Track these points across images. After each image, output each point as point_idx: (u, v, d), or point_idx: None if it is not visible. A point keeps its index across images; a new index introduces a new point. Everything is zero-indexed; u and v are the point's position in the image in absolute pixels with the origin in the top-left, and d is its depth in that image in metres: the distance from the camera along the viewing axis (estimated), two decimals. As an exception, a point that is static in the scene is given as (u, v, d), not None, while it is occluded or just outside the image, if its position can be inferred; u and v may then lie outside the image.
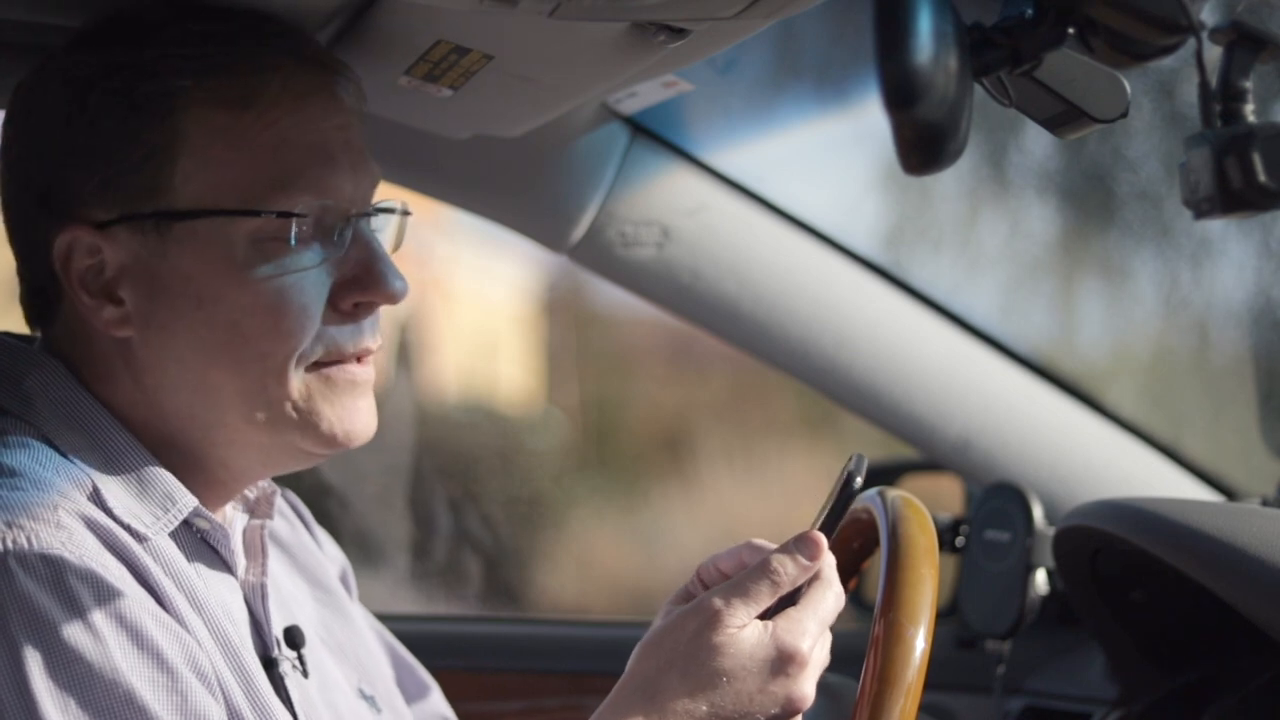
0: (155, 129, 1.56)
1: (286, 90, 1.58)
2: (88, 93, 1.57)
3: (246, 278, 1.56)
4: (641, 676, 1.51)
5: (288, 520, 1.84)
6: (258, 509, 1.70)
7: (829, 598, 1.53)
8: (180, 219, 1.56)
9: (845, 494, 1.54)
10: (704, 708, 1.49)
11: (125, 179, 1.56)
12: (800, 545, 1.52)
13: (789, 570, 1.51)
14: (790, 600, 1.53)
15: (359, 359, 1.61)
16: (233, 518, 1.68)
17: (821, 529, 1.54)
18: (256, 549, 1.67)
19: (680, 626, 1.51)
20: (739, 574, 1.53)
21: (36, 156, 1.60)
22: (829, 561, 1.54)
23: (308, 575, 1.82)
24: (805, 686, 1.51)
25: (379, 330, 1.62)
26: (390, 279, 1.60)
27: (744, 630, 1.49)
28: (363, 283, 1.59)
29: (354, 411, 1.61)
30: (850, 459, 1.55)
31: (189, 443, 1.59)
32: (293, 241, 1.56)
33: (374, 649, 1.85)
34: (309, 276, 1.57)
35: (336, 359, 1.59)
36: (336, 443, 1.61)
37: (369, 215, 1.62)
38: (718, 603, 1.50)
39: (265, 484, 1.71)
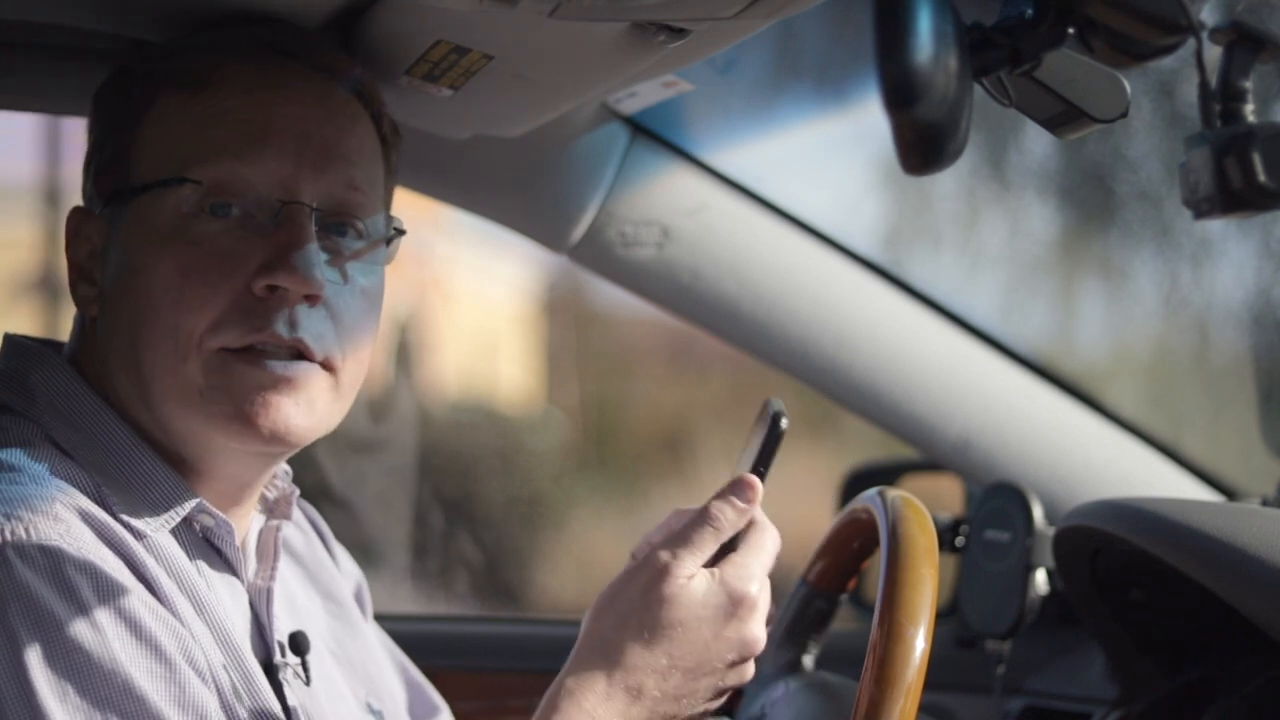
0: (125, 115, 1.62)
1: (238, 75, 1.60)
2: (102, 91, 1.67)
3: (165, 250, 1.57)
4: (598, 636, 1.52)
5: (304, 533, 1.83)
6: (276, 509, 1.70)
7: (767, 540, 1.55)
8: (131, 196, 1.60)
9: (774, 435, 1.55)
10: (663, 660, 1.50)
11: (107, 163, 1.63)
12: (736, 490, 1.54)
13: (728, 516, 1.53)
14: (730, 547, 1.54)
15: (277, 352, 1.57)
16: (252, 519, 1.68)
17: (753, 471, 1.55)
18: (269, 552, 1.67)
19: (630, 582, 1.52)
20: (680, 527, 1.54)
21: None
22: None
23: (320, 588, 1.81)
24: (756, 629, 1.53)
25: (303, 327, 1.57)
26: (301, 266, 1.56)
27: (693, 580, 1.51)
28: (272, 267, 1.56)
29: (263, 404, 1.56)
30: (768, 403, 1.56)
31: (150, 430, 1.59)
32: (215, 215, 1.57)
33: (385, 667, 1.84)
34: (224, 252, 1.56)
35: (248, 344, 1.56)
36: (243, 432, 1.56)
37: (317, 212, 1.59)
38: (664, 555, 1.52)
39: (284, 484, 1.71)
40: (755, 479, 1.55)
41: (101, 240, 1.62)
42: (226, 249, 1.57)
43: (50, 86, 1.88)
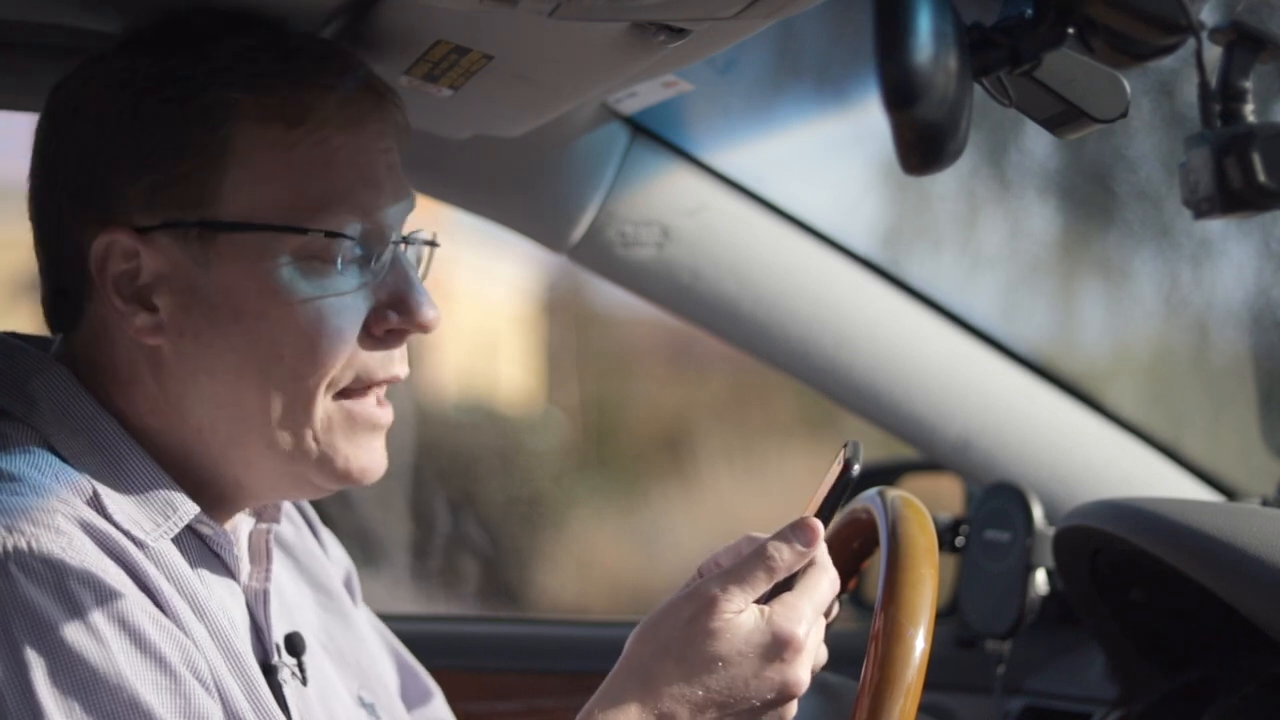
0: (206, 139, 1.56)
1: (339, 110, 1.58)
2: (140, 98, 1.57)
3: (288, 296, 1.55)
4: (636, 661, 1.50)
5: (293, 523, 1.83)
6: (264, 513, 1.70)
7: (824, 583, 1.53)
8: (226, 230, 1.55)
9: (843, 481, 1.53)
10: (699, 693, 1.48)
11: (172, 186, 1.56)
12: (796, 532, 1.52)
13: (785, 556, 1.51)
14: (786, 586, 1.52)
15: (380, 401, 1.62)
16: (239, 521, 1.68)
17: (818, 515, 1.53)
18: (261, 554, 1.67)
19: (676, 612, 1.51)
20: (735, 561, 1.53)
21: (79, 157, 1.60)
22: (824, 548, 1.53)
23: (311, 579, 1.81)
24: (801, 672, 1.50)
25: (406, 358, 1.63)
26: (424, 308, 1.60)
27: (740, 616, 1.49)
28: (397, 309, 1.59)
29: (369, 451, 1.62)
30: (845, 445, 1.54)
31: (205, 457, 1.59)
32: (338, 264, 1.56)
33: (377, 654, 1.84)
34: (348, 300, 1.57)
35: (364, 385, 1.60)
36: (348, 479, 1.62)
37: (409, 243, 1.63)
38: (714, 588, 1.50)
39: None
40: (817, 522, 1.52)
41: (162, 265, 1.56)
42: (348, 296, 1.57)
43: (48, 86, 1.88)
